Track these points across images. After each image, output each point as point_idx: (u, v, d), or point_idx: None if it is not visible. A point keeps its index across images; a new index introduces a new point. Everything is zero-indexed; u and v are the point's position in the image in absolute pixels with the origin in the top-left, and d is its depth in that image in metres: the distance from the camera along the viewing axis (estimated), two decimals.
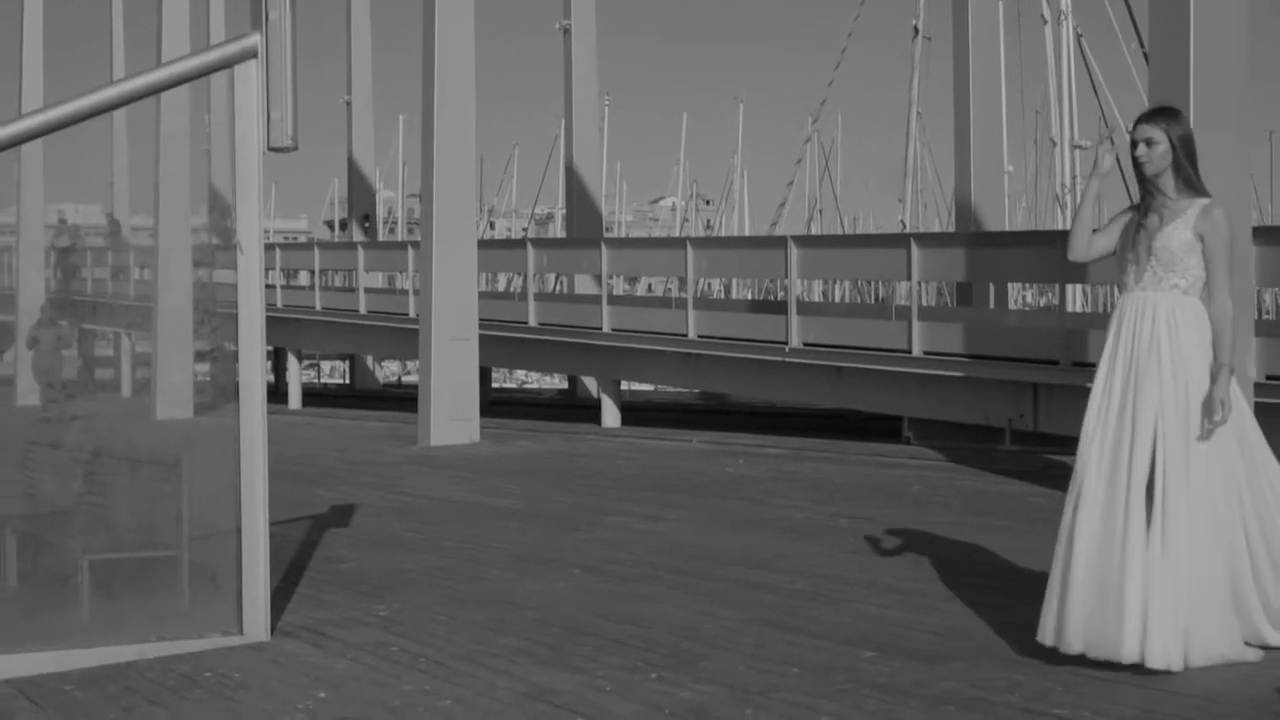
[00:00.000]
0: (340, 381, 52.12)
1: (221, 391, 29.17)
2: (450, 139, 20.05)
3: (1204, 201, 6.21)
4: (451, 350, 19.79)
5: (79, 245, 46.37)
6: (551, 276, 31.45)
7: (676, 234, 72.28)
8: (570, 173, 30.20)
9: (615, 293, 25.07)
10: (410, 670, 6.63)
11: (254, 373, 7.30)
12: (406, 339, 26.01)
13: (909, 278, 18.33)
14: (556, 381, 41.30)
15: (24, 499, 9.82)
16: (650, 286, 62.56)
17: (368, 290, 30.36)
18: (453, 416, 19.56)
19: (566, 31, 29.22)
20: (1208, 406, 5.99)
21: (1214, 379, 6.03)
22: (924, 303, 19.17)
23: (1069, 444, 15.88)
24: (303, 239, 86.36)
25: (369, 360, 42.23)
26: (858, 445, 17.47)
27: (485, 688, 6.27)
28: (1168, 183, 6.26)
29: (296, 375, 34.24)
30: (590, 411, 25.11)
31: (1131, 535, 5.93)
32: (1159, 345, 6.09)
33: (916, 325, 17.73)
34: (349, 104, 38.52)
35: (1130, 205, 6.47)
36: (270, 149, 7.29)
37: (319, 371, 57.79)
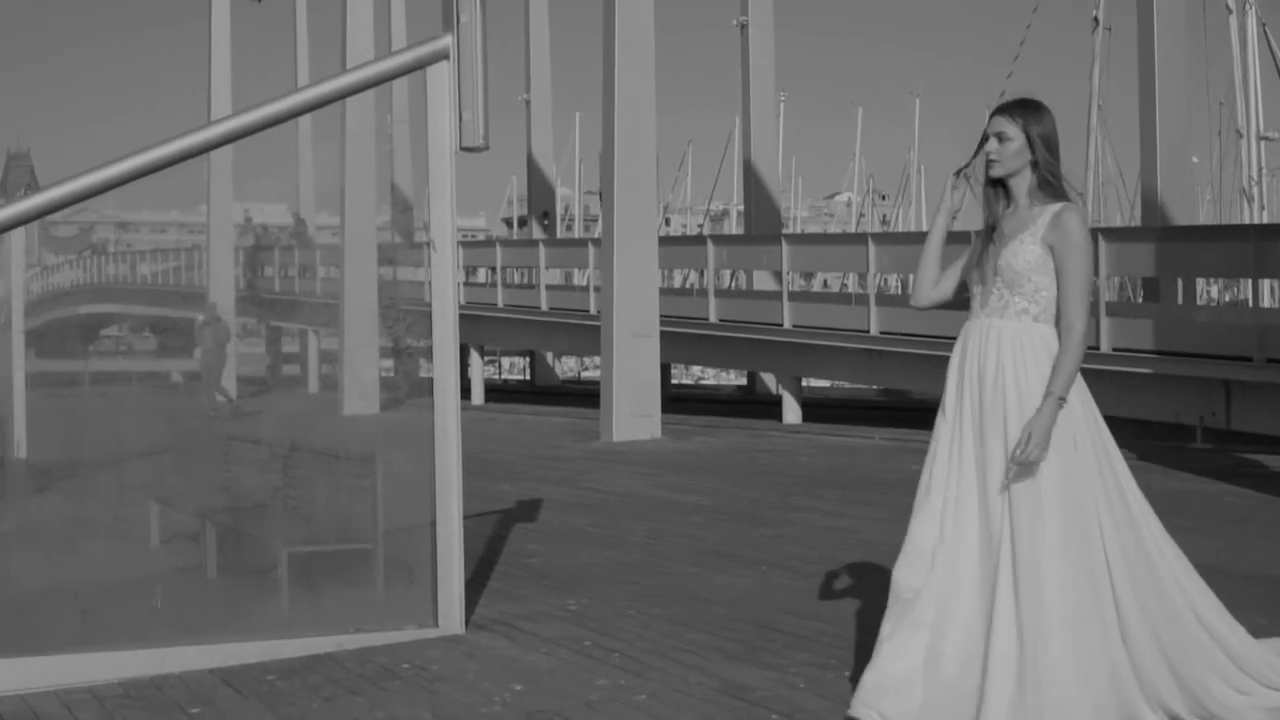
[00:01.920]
0: (521, 377, 52.65)
1: (408, 387, 29.66)
2: (630, 136, 20.15)
3: (1055, 207, 5.18)
4: (633, 346, 19.91)
5: (265, 244, 47.40)
6: (727, 272, 31.46)
7: (852, 229, 71.81)
8: (748, 169, 30.17)
9: (791, 288, 24.94)
10: (604, 665, 6.69)
11: (448, 368, 7.40)
12: (587, 335, 26.19)
13: (1094, 274, 18.04)
14: (733, 378, 41.26)
15: (224, 492, 10.07)
16: (826, 282, 62.26)
17: (548, 287, 30.62)
18: (634, 412, 19.68)
19: (744, 27, 29.19)
20: (1020, 438, 5.00)
21: (1039, 408, 5.02)
22: (1108, 298, 18.81)
23: (1263, 442, 15.59)
24: (481, 236, 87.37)
25: (549, 356, 42.58)
26: None
27: (678, 683, 6.30)
28: (1020, 187, 5.27)
29: (479, 371, 34.63)
30: (770, 408, 25.07)
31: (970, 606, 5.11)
32: (1003, 388, 5.13)
33: (1104, 321, 17.45)
34: (528, 102, 38.85)
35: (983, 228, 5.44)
36: (462, 149, 7.39)
37: (499, 367, 58.41)
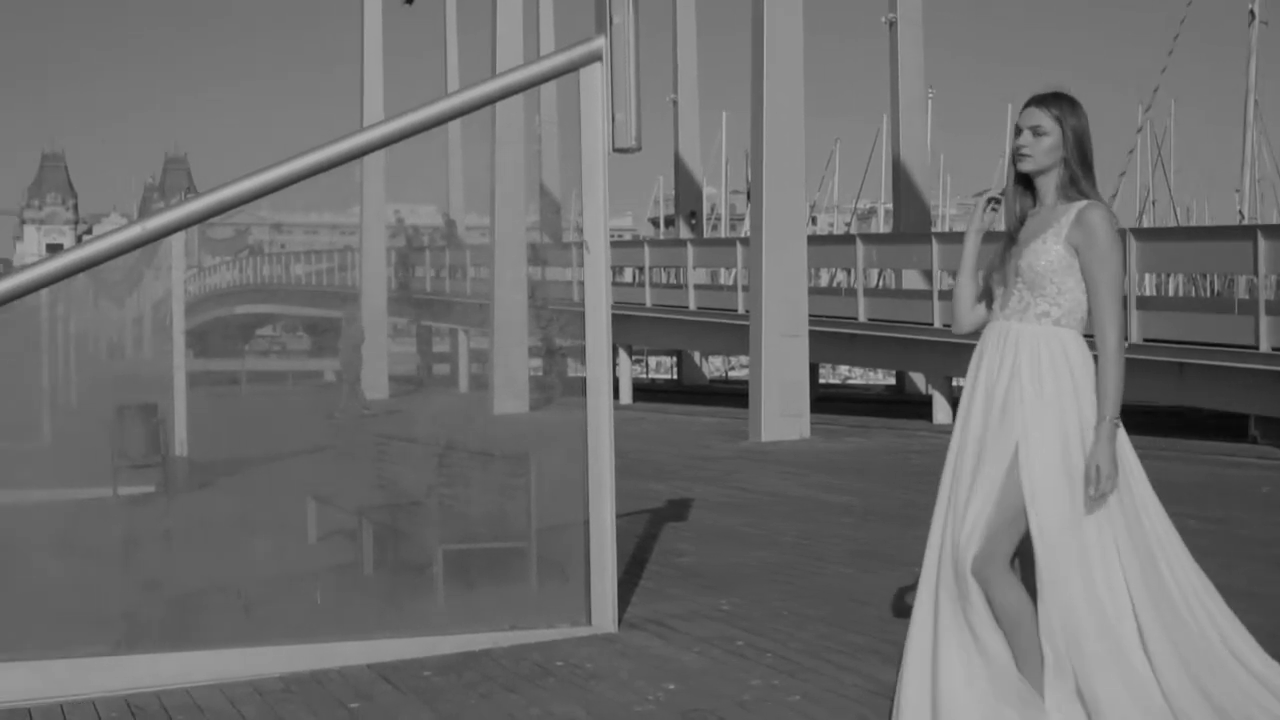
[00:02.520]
0: (668, 377, 52.72)
1: (559, 386, 29.83)
2: (778, 135, 20.11)
3: (1080, 205, 4.91)
4: (782, 346, 19.87)
5: (416, 245, 47.97)
6: (875, 271, 31.25)
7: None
8: (897, 166, 29.94)
9: (941, 287, 24.72)
10: (757, 665, 6.68)
11: (601, 368, 7.44)
12: (734, 334, 26.17)
13: (1255, 271, 17.68)
14: (881, 377, 41.00)
15: (380, 490, 10.21)
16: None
17: (696, 286, 30.63)
18: (783, 412, 19.63)
19: (893, 24, 28.97)
20: (1086, 475, 4.74)
21: (1095, 437, 4.76)
22: (1268, 296, 18.43)
23: None
24: (628, 236, 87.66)
25: (696, 355, 42.61)
26: (1201, 444, 16.93)
27: (832, 684, 6.27)
28: (1048, 185, 5.00)
29: (627, 370, 34.75)
30: (920, 408, 24.88)
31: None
32: (1021, 395, 4.86)
33: (1263, 320, 17.08)
34: (675, 102, 38.90)
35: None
36: (615, 150, 7.42)
37: (646, 367, 58.57)
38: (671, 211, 43.00)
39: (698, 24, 38.80)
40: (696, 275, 31.31)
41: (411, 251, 44.52)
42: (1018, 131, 5.02)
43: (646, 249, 34.52)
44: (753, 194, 21.14)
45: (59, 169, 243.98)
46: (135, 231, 6.62)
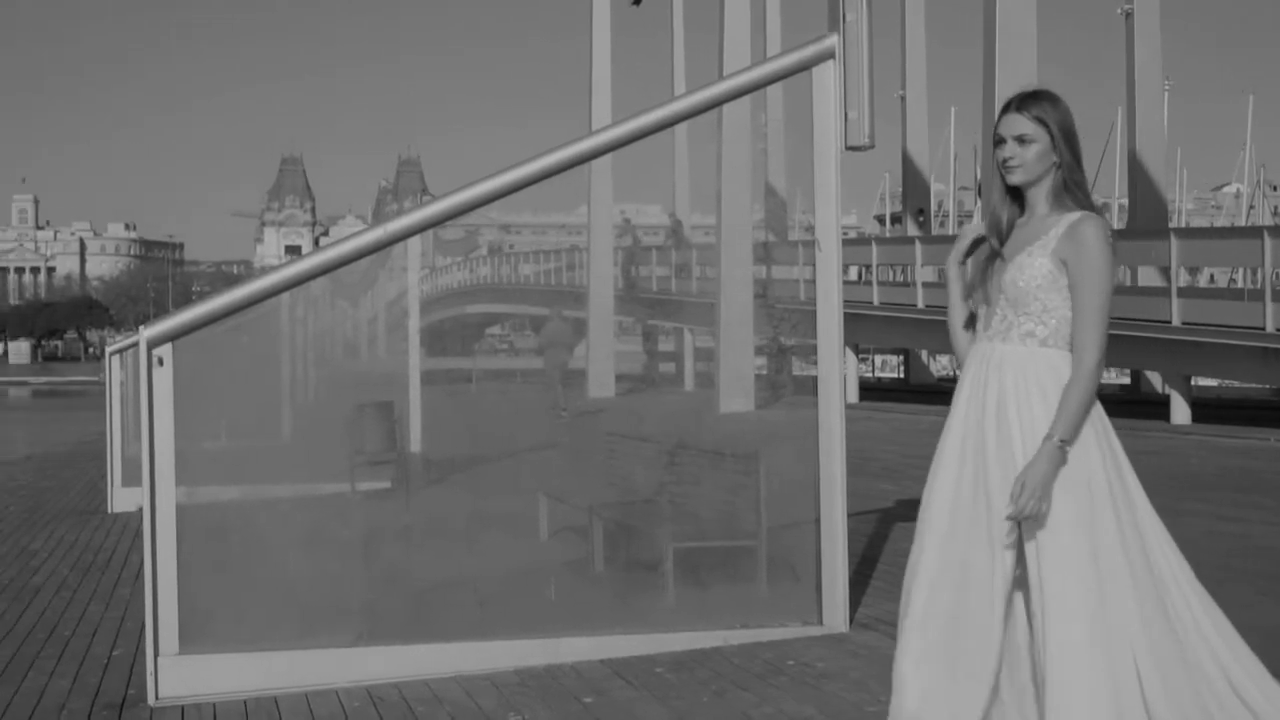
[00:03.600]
0: (894, 375, 52.32)
1: (790, 385, 29.77)
2: None
3: (1073, 216, 4.44)
4: None
5: (642, 244, 48.30)
6: None
7: (1241, 222, 69.01)
8: (1132, 160, 29.30)
9: (1180, 284, 24.12)
10: None
11: (832, 367, 7.42)
12: None
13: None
14: (1114, 376, 40.14)
15: (610, 488, 10.30)
16: (1212, 277, 59.98)
17: (924, 284, 30.35)
18: None
19: (1129, 15, 28.36)
20: (1014, 492, 4.31)
21: (1037, 453, 4.33)
22: None
23: None
24: (852, 234, 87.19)
25: (923, 354, 42.21)
26: None
27: None
28: (1039, 194, 4.52)
29: (853, 369, 34.59)
30: (1156, 407, 24.29)
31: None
32: (1008, 423, 4.43)
33: None
34: (903, 99, 38.57)
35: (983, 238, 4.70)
36: (848, 148, 7.39)
37: (872, 365, 58.18)
38: (898, 208, 42.65)
39: (926, 18, 38.42)
40: (924, 273, 31.02)
41: (638, 250, 44.85)
42: (999, 141, 4.54)
43: (874, 247, 34.30)
44: (982, 190, 20.86)
45: (297, 173, 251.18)
46: (378, 234, 6.79)
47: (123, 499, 14.65)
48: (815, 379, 7.47)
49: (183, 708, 6.51)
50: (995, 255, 4.57)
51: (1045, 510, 4.30)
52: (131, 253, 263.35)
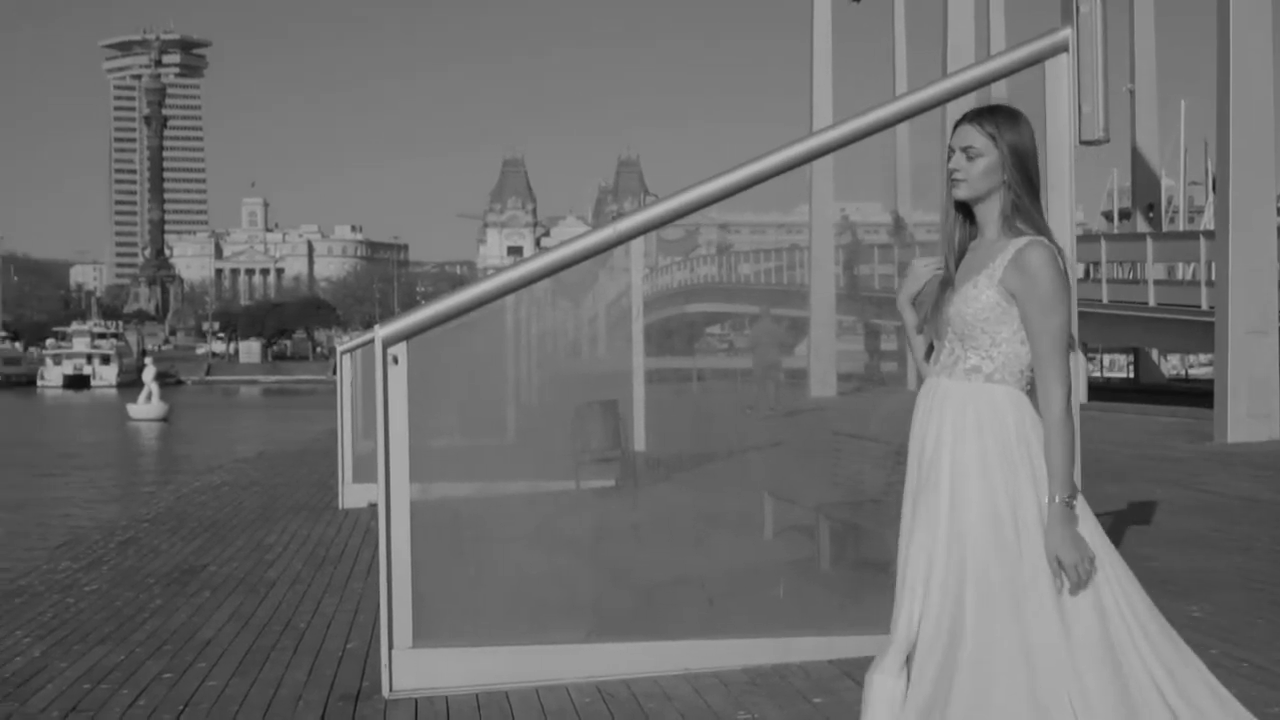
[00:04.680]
0: (1123, 375, 51.19)
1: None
2: (1246, 122, 19.28)
3: (1020, 242, 4.12)
4: (1249, 343, 19.06)
5: (860, 243, 47.96)
6: None
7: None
8: None
9: None
10: (1234, 675, 6.41)
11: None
12: (1196, 331, 25.25)
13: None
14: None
15: (836, 487, 10.24)
16: None
17: (1155, 282, 29.64)
18: (1250, 412, 18.82)
19: None
20: (1054, 570, 4.00)
21: (1047, 523, 4.02)
22: None
23: None
24: (1079, 231, 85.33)
25: (1153, 353, 41.22)
26: None
27: None
28: (989, 214, 4.23)
29: (1081, 368, 33.87)
30: None
31: None
32: (939, 465, 4.14)
33: None
34: (1132, 92, 37.67)
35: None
36: (1081, 142, 7.26)
37: (1100, 364, 57.01)
38: (1126, 204, 41.68)
39: (1155, 9, 37.48)
40: (1155, 270, 30.28)
41: (859, 248, 44.56)
42: (950, 153, 4.26)
43: (1103, 243, 33.58)
44: (1218, 185, 20.32)
45: (519, 174, 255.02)
46: (607, 233, 6.85)
47: (353, 495, 15.00)
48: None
49: (416, 700, 6.64)
50: (948, 284, 4.27)
51: (1094, 565, 4.02)
52: (358, 254, 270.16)
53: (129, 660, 7.76)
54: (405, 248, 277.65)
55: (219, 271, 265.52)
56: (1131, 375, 45.51)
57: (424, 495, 6.95)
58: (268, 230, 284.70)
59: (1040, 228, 4.14)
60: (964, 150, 4.20)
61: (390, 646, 6.74)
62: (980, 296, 4.11)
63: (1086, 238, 50.21)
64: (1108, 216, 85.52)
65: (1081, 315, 29.37)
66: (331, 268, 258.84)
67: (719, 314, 54.94)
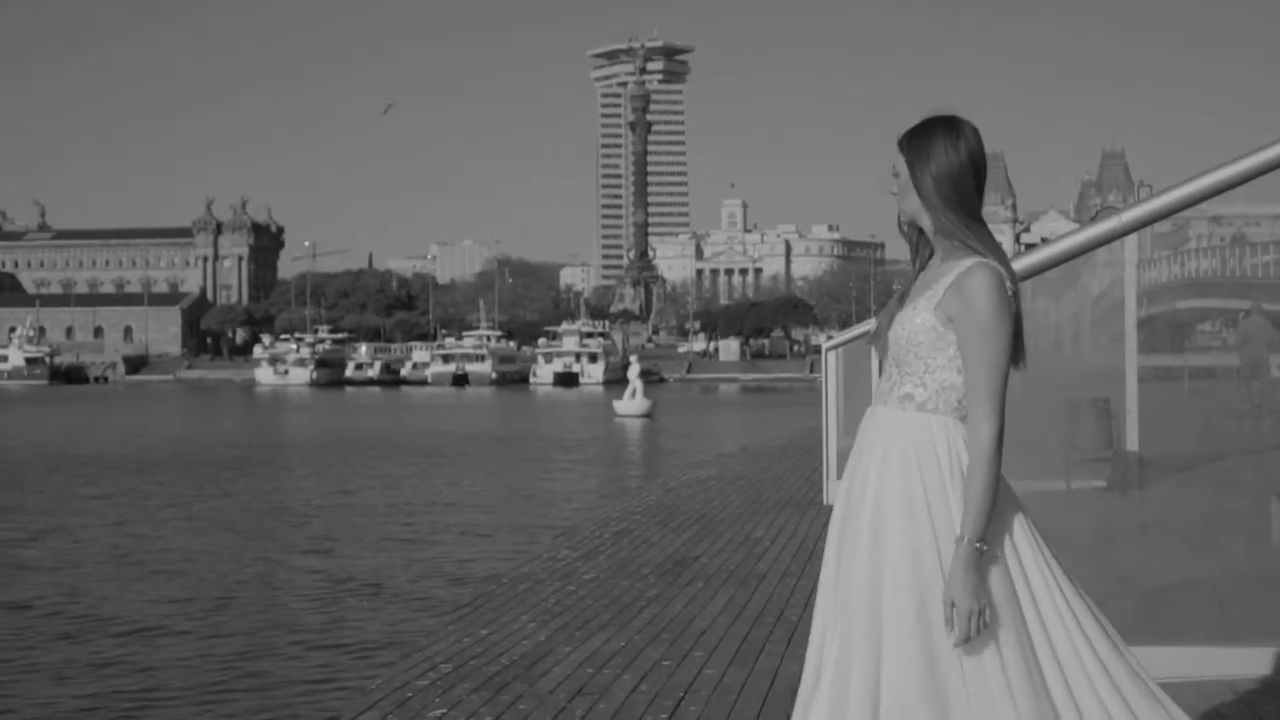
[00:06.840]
0: None
1: None
2: None
3: (965, 264, 3.79)
4: None
5: None
6: None
7: None
8: None
9: None
10: None
11: None
12: None
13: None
14: None
15: None
16: None
17: None
18: None
19: None
20: (947, 618, 3.69)
21: (952, 565, 3.71)
22: None
23: None
24: None
25: None
26: None
27: None
28: (936, 238, 3.91)
29: None
30: None
31: None
32: (862, 501, 3.87)
33: None
34: None
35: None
36: None
37: None
38: None
39: None
40: None
41: None
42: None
43: None
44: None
45: (998, 169, 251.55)
46: (1112, 224, 6.69)
47: (837, 491, 15.09)
48: None
49: None
50: (901, 302, 4.00)
51: (991, 625, 3.71)
52: (834, 253, 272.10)
53: (629, 646, 8.04)
54: (882, 246, 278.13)
55: (699, 272, 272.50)
56: None
57: None
58: (746, 231, 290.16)
59: (983, 248, 3.84)
60: (894, 170, 4.00)
61: None
62: (916, 321, 3.87)
63: None
64: None
65: None
66: (808, 266, 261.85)
67: (1211, 310, 52.93)
